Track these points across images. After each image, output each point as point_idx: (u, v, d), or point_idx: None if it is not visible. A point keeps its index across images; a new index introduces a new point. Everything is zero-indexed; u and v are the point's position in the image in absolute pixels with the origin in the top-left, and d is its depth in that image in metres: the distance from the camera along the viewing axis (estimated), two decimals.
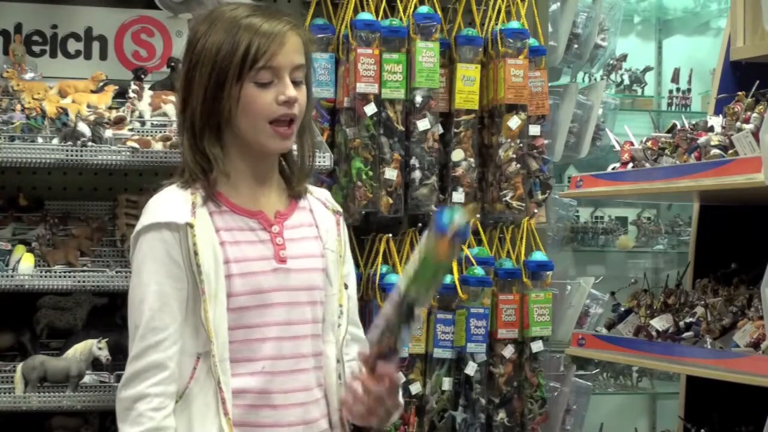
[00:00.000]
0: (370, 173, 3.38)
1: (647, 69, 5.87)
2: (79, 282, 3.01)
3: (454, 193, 3.47)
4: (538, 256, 3.54)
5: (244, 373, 2.25)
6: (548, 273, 3.55)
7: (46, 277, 2.99)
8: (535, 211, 3.60)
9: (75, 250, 3.11)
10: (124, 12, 3.48)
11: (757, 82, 3.12)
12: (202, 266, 2.21)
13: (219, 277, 2.23)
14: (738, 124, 2.99)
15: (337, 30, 3.52)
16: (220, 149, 2.28)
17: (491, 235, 3.59)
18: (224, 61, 2.23)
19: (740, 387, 2.91)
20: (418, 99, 3.41)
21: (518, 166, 3.50)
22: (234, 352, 2.24)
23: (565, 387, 3.93)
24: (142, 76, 3.26)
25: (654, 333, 3.34)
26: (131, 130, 3.11)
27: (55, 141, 2.97)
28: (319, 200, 2.44)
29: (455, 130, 3.50)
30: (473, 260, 3.41)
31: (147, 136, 3.07)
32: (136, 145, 3.00)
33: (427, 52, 3.41)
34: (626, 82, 5.84)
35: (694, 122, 3.31)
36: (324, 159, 3.05)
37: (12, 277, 2.96)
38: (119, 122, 3.08)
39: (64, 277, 3.01)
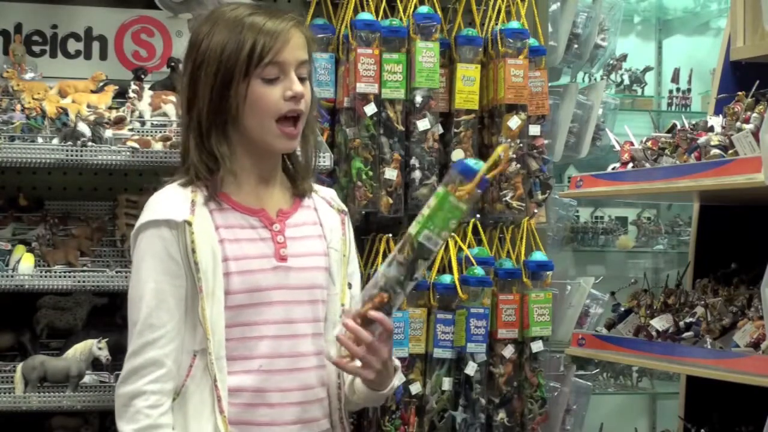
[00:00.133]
0: (370, 173, 3.38)
1: (647, 69, 5.87)
2: (79, 282, 3.01)
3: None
4: (538, 256, 3.54)
5: (241, 371, 2.25)
6: (548, 273, 3.55)
7: (46, 277, 2.99)
8: (535, 211, 3.60)
9: (75, 250, 3.11)
10: (124, 12, 3.48)
11: (757, 82, 3.12)
12: (200, 264, 2.22)
13: (217, 275, 2.23)
14: (738, 124, 2.99)
15: (337, 30, 3.52)
16: (227, 148, 2.28)
17: (491, 235, 3.58)
18: (230, 59, 2.24)
19: (740, 387, 2.91)
20: (418, 99, 3.41)
21: (518, 166, 3.50)
22: (231, 350, 2.24)
23: (565, 387, 3.93)
24: (142, 76, 3.26)
25: (654, 333, 3.34)
26: (131, 130, 3.11)
27: (55, 141, 2.97)
28: (324, 199, 2.45)
29: (455, 130, 3.50)
30: (473, 260, 3.41)
31: (147, 136, 3.07)
32: (136, 145, 3.00)
33: (427, 52, 3.41)
34: (626, 82, 5.84)
35: (694, 122, 3.30)
36: (324, 159, 3.05)
37: (12, 277, 2.96)
38: (119, 122, 3.08)
39: (64, 277, 3.01)
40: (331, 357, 2.26)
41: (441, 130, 3.49)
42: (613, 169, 3.51)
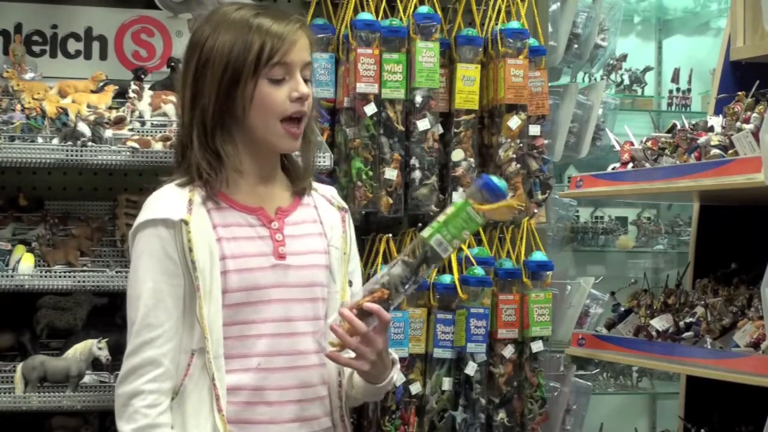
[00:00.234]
0: (370, 173, 3.38)
1: (647, 69, 5.87)
2: (79, 282, 3.01)
3: (454, 193, 3.47)
4: (538, 256, 3.54)
5: (239, 369, 2.25)
6: (548, 273, 3.55)
7: (46, 277, 3.00)
8: (535, 211, 3.60)
9: (75, 250, 3.11)
10: (124, 12, 3.48)
11: (757, 82, 3.12)
12: (197, 263, 2.22)
13: (214, 274, 2.23)
14: (738, 124, 2.99)
15: (337, 30, 3.52)
16: (231, 147, 2.29)
17: (491, 235, 3.58)
18: (238, 59, 2.25)
19: (740, 387, 2.91)
20: (418, 99, 3.41)
21: (518, 166, 3.50)
22: (229, 349, 2.25)
23: (565, 387, 3.93)
24: (142, 76, 3.26)
25: (654, 333, 3.34)
26: (131, 130, 3.11)
27: (55, 141, 2.97)
28: (324, 197, 2.45)
29: (455, 130, 3.50)
30: (473, 260, 3.41)
31: (147, 136, 3.07)
32: (136, 145, 3.00)
33: (427, 52, 3.41)
34: (626, 82, 5.84)
35: (694, 122, 3.30)
36: (324, 159, 3.05)
37: (12, 277, 2.96)
38: (119, 122, 3.08)
39: (64, 277, 3.01)
40: (324, 348, 2.26)
41: (441, 130, 3.49)
42: (613, 169, 3.51)
